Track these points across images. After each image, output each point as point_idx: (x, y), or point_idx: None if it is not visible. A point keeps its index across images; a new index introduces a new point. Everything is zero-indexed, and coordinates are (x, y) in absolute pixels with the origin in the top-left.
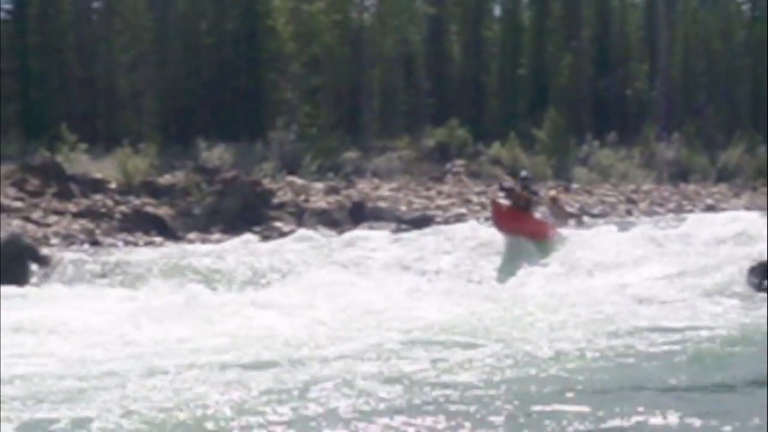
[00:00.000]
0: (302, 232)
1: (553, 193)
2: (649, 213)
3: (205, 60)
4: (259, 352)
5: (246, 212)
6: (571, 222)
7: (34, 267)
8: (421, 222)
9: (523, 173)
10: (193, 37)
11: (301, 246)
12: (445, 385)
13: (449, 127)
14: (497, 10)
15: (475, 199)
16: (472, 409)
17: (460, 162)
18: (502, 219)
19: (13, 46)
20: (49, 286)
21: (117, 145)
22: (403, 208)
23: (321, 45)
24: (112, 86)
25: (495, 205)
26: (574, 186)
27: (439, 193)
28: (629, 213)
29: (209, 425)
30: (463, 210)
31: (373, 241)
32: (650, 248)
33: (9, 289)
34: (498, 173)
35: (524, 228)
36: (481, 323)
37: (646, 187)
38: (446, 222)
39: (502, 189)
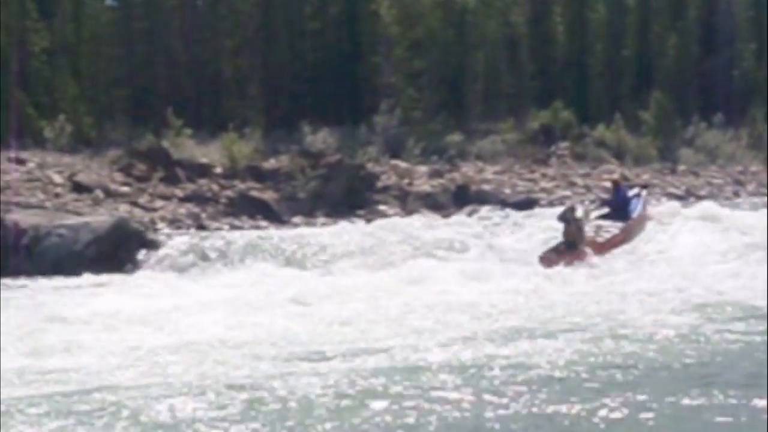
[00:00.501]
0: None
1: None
2: (757, 194)
3: (309, 44)
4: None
5: (350, 196)
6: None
7: (142, 252)
8: (526, 205)
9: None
10: (297, 22)
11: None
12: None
13: (553, 109)
14: None
15: (579, 181)
16: None
17: (564, 144)
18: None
19: (119, 32)
20: (160, 270)
21: (222, 130)
22: (508, 191)
23: (424, 28)
24: (217, 71)
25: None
26: (681, 167)
27: (544, 175)
28: (736, 195)
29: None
30: (567, 192)
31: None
32: None
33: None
34: (603, 155)
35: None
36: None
37: (753, 168)
38: (550, 205)
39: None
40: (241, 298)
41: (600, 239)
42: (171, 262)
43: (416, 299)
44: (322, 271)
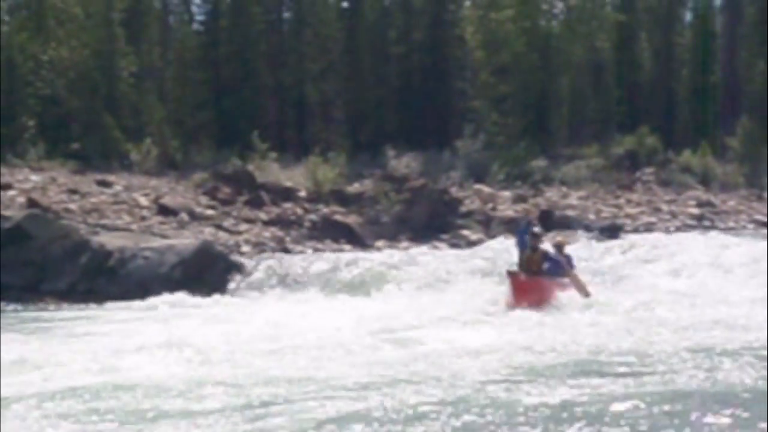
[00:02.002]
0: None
1: (560, 239)
2: None
3: (394, 69)
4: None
5: (433, 220)
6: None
7: (227, 275)
8: (611, 230)
9: (535, 227)
10: (382, 47)
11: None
12: None
13: (639, 134)
14: (688, 16)
15: (664, 207)
16: None
17: (649, 170)
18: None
19: (205, 56)
20: (244, 293)
21: (306, 154)
22: (592, 216)
23: (509, 53)
24: (302, 95)
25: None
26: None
27: (629, 201)
28: None
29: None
30: (652, 219)
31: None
32: None
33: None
34: (688, 181)
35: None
36: None
37: None
38: (635, 231)
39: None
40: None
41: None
42: (255, 285)
43: None
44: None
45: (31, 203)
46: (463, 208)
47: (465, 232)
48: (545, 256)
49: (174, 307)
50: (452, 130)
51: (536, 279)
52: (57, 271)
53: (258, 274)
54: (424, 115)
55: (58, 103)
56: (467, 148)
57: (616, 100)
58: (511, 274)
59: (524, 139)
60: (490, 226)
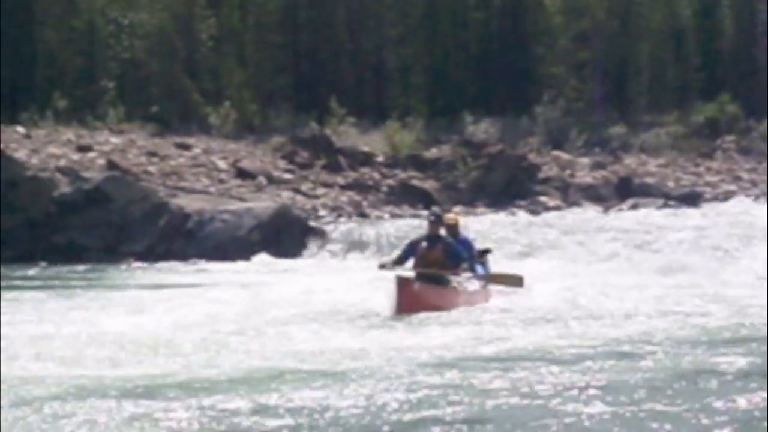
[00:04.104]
0: None
1: (451, 216)
2: None
3: (473, 34)
4: None
5: (511, 186)
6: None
7: (304, 239)
8: (690, 198)
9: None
10: (461, 12)
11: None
12: None
13: (720, 102)
14: None
15: (745, 176)
16: None
17: (730, 138)
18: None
19: (284, 20)
20: (320, 257)
21: (385, 119)
22: (671, 184)
23: (589, 19)
24: (380, 60)
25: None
26: None
27: (708, 169)
28: None
29: None
30: (732, 187)
31: None
32: None
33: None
34: None
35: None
36: None
37: None
38: (715, 199)
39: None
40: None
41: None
42: (332, 250)
43: None
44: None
45: (111, 165)
46: (541, 175)
47: (543, 199)
48: (449, 247)
49: (251, 271)
50: (531, 96)
51: (433, 289)
52: (136, 232)
53: (335, 239)
54: (502, 80)
55: (138, 66)
56: (546, 114)
57: (696, 68)
58: (401, 282)
59: (603, 105)
60: (568, 192)
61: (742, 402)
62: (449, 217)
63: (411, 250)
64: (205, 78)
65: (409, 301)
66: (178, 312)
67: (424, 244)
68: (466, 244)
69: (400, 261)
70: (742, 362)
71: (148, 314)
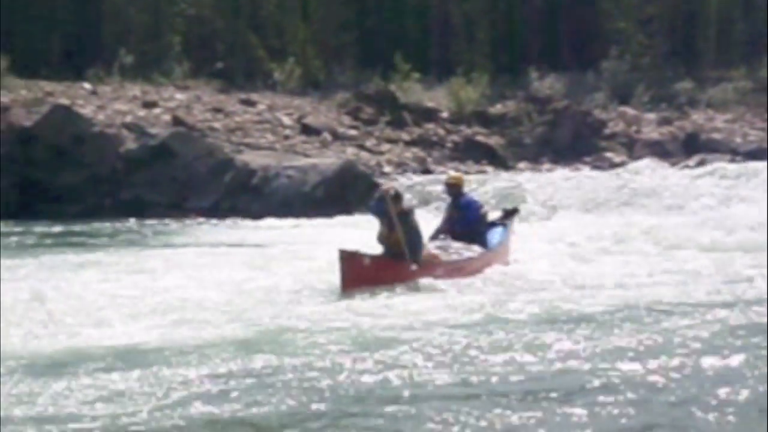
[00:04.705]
0: None
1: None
2: None
3: None
4: None
5: (576, 142)
6: None
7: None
8: (757, 154)
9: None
10: None
11: None
12: None
13: None
14: None
15: None
16: None
17: None
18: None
19: None
20: None
21: (449, 75)
22: (738, 140)
23: None
24: (445, 15)
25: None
26: None
27: None
28: None
29: None
30: None
31: None
32: None
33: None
34: None
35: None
36: None
37: None
38: None
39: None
40: None
41: (450, 257)
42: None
43: None
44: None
45: (176, 121)
46: (607, 131)
47: (608, 155)
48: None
49: (315, 226)
50: (597, 52)
51: (390, 263)
52: (201, 188)
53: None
54: (568, 35)
55: (203, 23)
56: (612, 69)
57: (765, 21)
58: (345, 256)
59: (670, 61)
60: (634, 148)
61: None
62: (453, 176)
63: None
64: (269, 34)
65: (355, 277)
66: (240, 272)
67: (386, 221)
68: (472, 206)
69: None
70: None
71: (210, 272)
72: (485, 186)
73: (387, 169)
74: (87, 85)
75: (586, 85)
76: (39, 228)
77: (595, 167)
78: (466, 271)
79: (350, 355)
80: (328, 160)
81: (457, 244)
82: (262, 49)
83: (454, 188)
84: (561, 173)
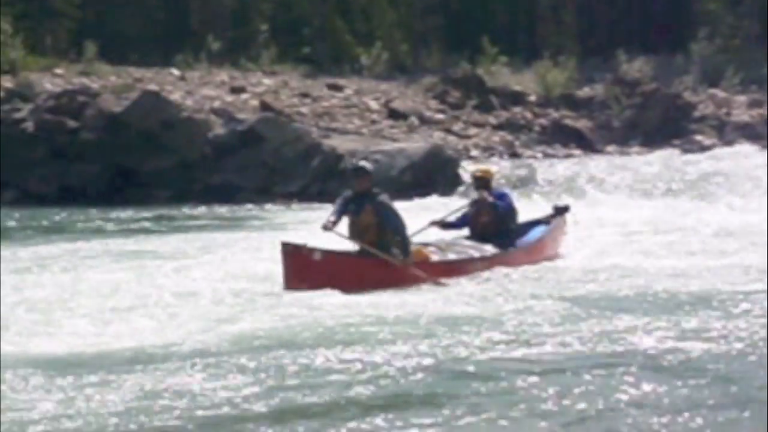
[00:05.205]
0: None
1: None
2: None
3: None
4: None
5: (665, 125)
6: None
7: (457, 179)
8: None
9: (362, 163)
10: None
11: None
12: None
13: None
14: None
15: None
16: None
17: None
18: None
19: None
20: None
21: (537, 58)
22: None
23: None
24: None
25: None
26: None
27: None
28: None
29: None
30: None
31: None
32: None
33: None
34: None
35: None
36: None
37: None
38: None
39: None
40: None
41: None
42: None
43: None
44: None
45: (264, 106)
46: (696, 113)
47: (698, 137)
48: (380, 208)
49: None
50: (686, 34)
51: (348, 260)
52: (289, 173)
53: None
54: (657, 17)
55: (290, 8)
56: (701, 51)
57: None
58: (289, 250)
59: (760, 42)
60: (724, 131)
61: None
62: (481, 168)
63: (342, 209)
64: (356, 19)
65: (300, 274)
66: None
67: (351, 206)
68: (503, 199)
69: (337, 221)
70: None
71: None
72: (568, 169)
73: (474, 153)
74: (175, 71)
75: (675, 67)
76: (128, 213)
77: (685, 150)
78: (459, 272)
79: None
80: (415, 144)
81: (467, 243)
82: (349, 33)
83: (482, 181)
84: (650, 157)
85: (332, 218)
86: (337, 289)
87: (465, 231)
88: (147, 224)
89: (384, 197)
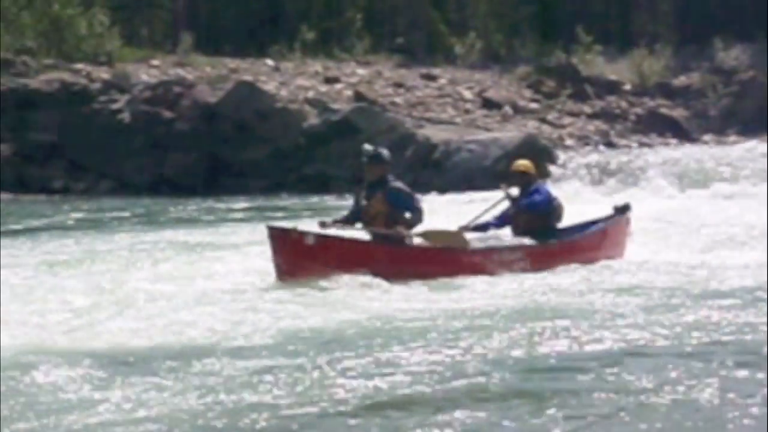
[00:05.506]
0: None
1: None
2: None
3: None
4: None
5: (763, 114)
6: None
7: (551, 168)
8: None
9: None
10: None
11: None
12: None
13: None
14: None
15: None
16: None
17: None
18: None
19: None
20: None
21: (632, 47)
22: None
23: None
24: None
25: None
26: None
27: None
28: None
29: None
30: None
31: None
32: None
33: None
34: None
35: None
36: None
37: None
38: None
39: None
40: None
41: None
42: (579, 179)
43: None
44: None
45: (358, 96)
46: None
47: None
48: (390, 195)
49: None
50: None
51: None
52: None
53: (581, 168)
54: (754, 4)
55: None
56: None
57: None
58: (277, 235)
59: None
60: None
61: None
62: (521, 162)
63: (355, 206)
64: (450, 8)
65: (292, 262)
66: None
67: (363, 193)
68: (535, 194)
69: (347, 218)
70: None
71: None
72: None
73: (569, 142)
74: (270, 62)
75: None
76: (222, 203)
77: None
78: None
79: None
80: (510, 133)
81: (505, 238)
82: (442, 23)
83: (524, 177)
84: (747, 145)
85: (340, 218)
86: (334, 276)
87: (506, 230)
88: (241, 214)
89: (397, 183)
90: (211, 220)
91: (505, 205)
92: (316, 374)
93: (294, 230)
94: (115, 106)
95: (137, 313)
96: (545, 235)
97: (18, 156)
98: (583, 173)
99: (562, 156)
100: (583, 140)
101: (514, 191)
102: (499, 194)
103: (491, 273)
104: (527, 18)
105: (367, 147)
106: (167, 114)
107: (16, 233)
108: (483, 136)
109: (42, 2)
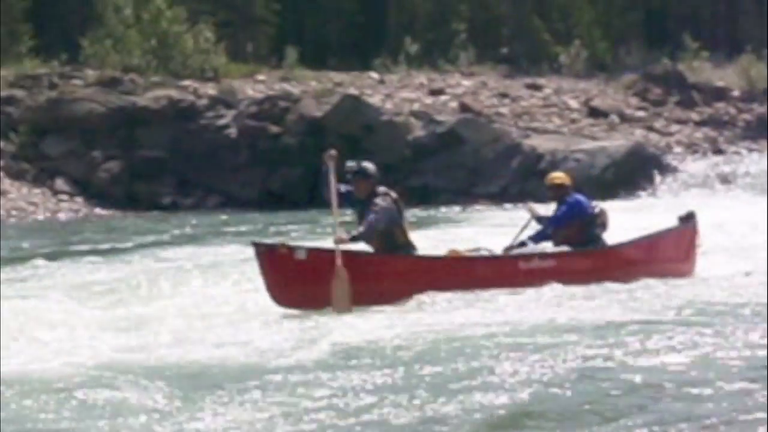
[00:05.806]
0: None
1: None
2: None
3: None
4: None
5: None
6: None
7: (659, 177)
8: None
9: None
10: None
11: None
12: None
13: None
14: None
15: None
16: None
17: None
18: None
19: None
20: (676, 194)
21: (740, 52)
22: None
23: None
24: None
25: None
26: None
27: None
28: None
29: None
30: None
31: None
32: None
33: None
34: None
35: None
36: None
37: None
38: None
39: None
40: None
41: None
42: (688, 186)
43: None
44: None
45: (463, 108)
46: None
47: None
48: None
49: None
50: None
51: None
52: (489, 174)
53: (690, 176)
54: None
55: (488, 8)
56: None
57: None
58: (263, 252)
59: None
60: None
61: None
62: (556, 175)
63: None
64: (554, 17)
65: (282, 280)
66: None
67: (358, 209)
68: (569, 207)
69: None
70: None
71: None
72: None
73: (677, 150)
74: (374, 75)
75: None
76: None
77: None
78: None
79: None
80: (617, 142)
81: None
82: (547, 32)
83: (560, 190)
84: None
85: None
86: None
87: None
88: (348, 227)
89: (379, 199)
90: (318, 233)
91: (535, 226)
92: (390, 392)
93: (282, 245)
94: (221, 122)
95: (248, 325)
96: (584, 245)
97: (127, 173)
98: (693, 181)
99: (672, 163)
100: (692, 147)
101: (537, 209)
102: (525, 216)
103: (514, 284)
104: (632, 25)
105: (350, 164)
106: (273, 129)
107: (125, 250)
108: (590, 145)
109: (149, 20)
